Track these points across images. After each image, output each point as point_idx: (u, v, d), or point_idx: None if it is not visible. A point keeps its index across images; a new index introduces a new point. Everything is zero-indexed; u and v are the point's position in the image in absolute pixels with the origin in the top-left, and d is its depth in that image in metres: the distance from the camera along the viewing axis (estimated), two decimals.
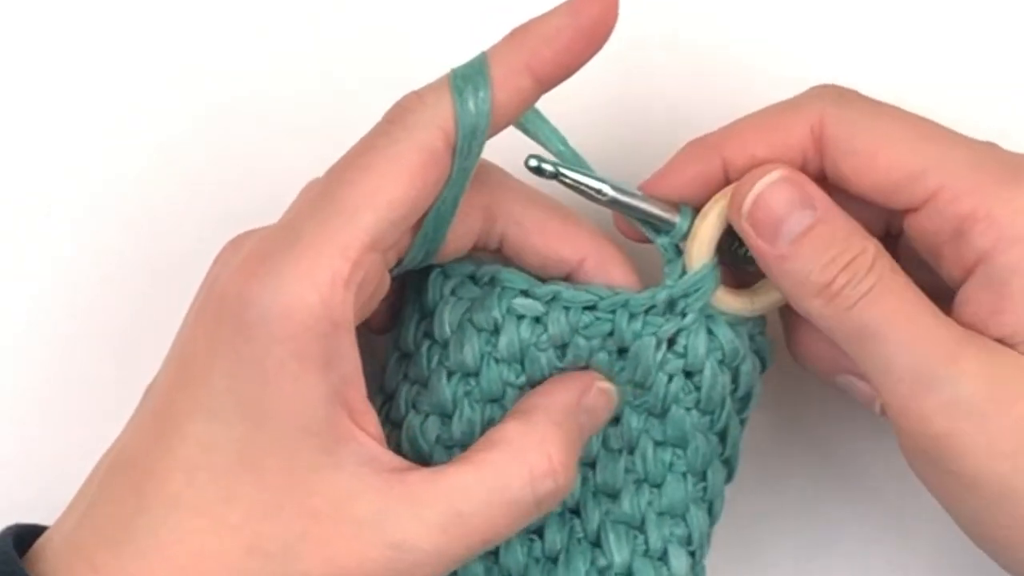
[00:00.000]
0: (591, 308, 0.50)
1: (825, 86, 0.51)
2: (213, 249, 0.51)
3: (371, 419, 0.48)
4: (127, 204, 0.59)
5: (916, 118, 0.50)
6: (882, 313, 0.48)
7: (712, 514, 0.53)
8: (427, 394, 0.51)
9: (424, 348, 0.51)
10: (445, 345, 0.51)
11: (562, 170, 0.50)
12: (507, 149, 0.51)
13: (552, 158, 0.50)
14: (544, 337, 0.50)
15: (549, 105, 0.50)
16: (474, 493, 0.48)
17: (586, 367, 0.51)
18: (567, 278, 0.52)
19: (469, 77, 0.48)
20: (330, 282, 0.46)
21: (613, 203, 0.50)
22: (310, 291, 0.46)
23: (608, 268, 0.52)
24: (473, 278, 0.51)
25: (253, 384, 0.46)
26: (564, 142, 0.51)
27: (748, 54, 0.59)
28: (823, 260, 0.48)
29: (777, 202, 0.49)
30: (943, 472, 0.48)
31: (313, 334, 0.46)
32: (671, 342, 0.51)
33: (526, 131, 0.51)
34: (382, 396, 0.53)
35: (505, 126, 0.49)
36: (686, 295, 0.51)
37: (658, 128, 0.59)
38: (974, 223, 0.49)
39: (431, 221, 0.49)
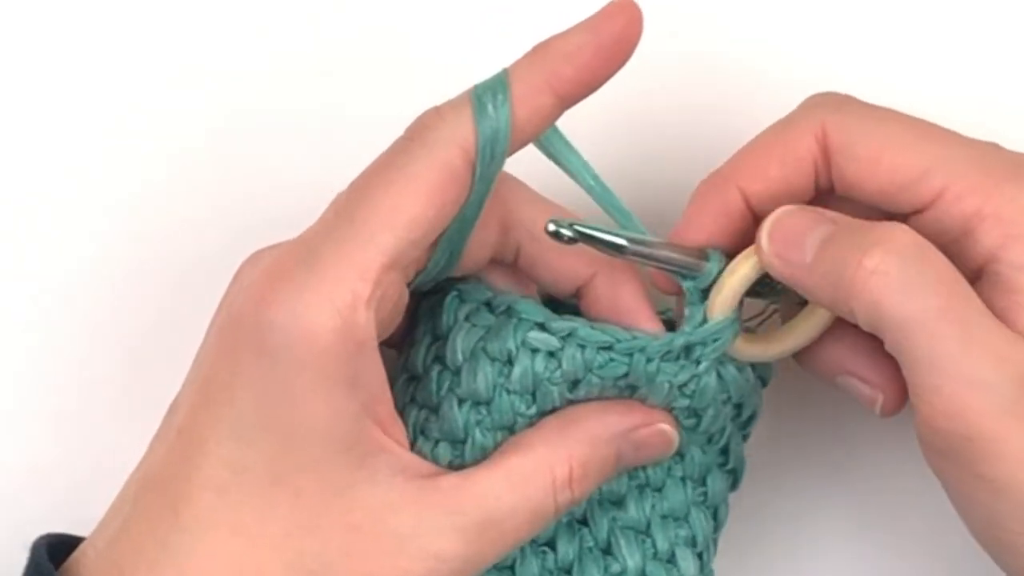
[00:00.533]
0: (607, 348, 0.50)
1: (822, 95, 0.51)
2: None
3: (399, 429, 0.49)
4: (127, 204, 0.59)
5: (916, 120, 0.50)
6: (929, 306, 0.46)
7: (717, 519, 0.54)
8: (438, 421, 0.50)
9: (434, 373, 0.51)
10: (456, 372, 0.50)
11: (580, 230, 0.48)
12: (525, 160, 0.50)
13: (568, 220, 0.49)
14: (558, 373, 0.50)
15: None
16: (504, 499, 0.48)
17: (596, 398, 0.51)
18: (577, 292, 0.52)
19: (491, 91, 0.47)
20: (351, 304, 0.46)
21: (636, 255, 0.49)
22: (332, 315, 0.46)
23: (618, 285, 0.51)
24: (489, 305, 0.51)
25: (280, 406, 0.46)
26: (595, 176, 0.50)
27: (754, 59, 0.59)
28: (852, 249, 0.47)
29: (794, 222, 0.49)
30: (970, 474, 0.47)
31: (338, 357, 0.46)
32: (681, 385, 0.51)
33: (548, 153, 0.50)
34: None
35: (525, 144, 0.48)
36: (703, 343, 0.50)
37: (673, 139, 0.59)
38: (980, 221, 0.48)
39: (451, 234, 0.49)
